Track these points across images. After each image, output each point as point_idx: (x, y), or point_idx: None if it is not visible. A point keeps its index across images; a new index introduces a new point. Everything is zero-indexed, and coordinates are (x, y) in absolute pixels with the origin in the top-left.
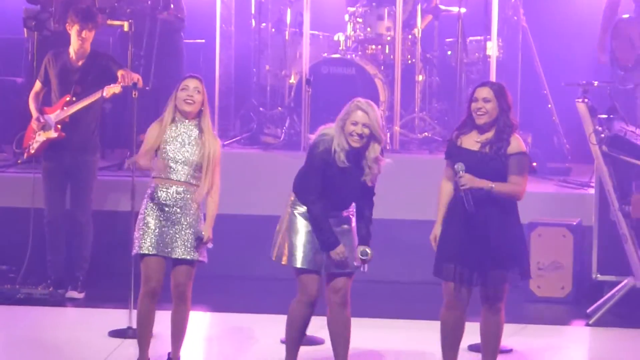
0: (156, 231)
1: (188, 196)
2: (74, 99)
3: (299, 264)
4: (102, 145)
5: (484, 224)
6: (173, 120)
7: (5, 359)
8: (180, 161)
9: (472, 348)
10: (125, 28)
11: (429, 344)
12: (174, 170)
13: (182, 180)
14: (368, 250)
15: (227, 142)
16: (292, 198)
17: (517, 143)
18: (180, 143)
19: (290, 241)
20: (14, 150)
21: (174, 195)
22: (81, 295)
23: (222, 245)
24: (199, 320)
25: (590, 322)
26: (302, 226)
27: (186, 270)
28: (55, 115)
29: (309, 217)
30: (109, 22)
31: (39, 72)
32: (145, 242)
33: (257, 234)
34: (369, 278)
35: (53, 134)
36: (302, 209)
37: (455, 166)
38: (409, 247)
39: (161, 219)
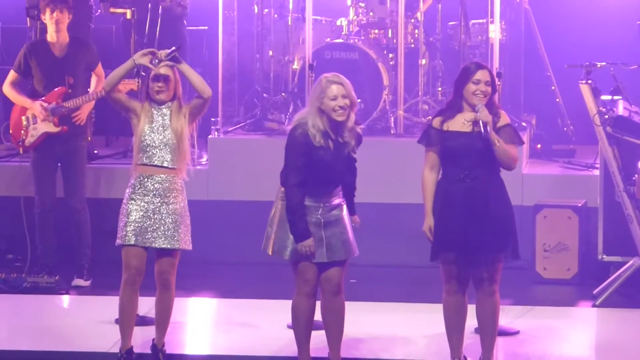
0: (137, 221)
1: (168, 184)
2: (69, 91)
3: (289, 256)
4: (106, 133)
5: (476, 207)
6: (148, 109)
7: (13, 348)
8: (159, 147)
9: (479, 330)
10: (128, 16)
11: (435, 327)
12: (154, 156)
13: (164, 166)
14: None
15: (231, 128)
16: (283, 190)
17: (503, 116)
18: (158, 128)
19: (282, 234)
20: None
21: (155, 185)
22: (87, 283)
23: (227, 231)
24: (206, 307)
25: (597, 303)
26: None
27: (169, 258)
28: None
29: (287, 202)
30: (112, 10)
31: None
32: (126, 232)
33: (263, 220)
34: (374, 262)
35: (54, 128)
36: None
37: (477, 106)
38: (413, 230)
39: (143, 208)
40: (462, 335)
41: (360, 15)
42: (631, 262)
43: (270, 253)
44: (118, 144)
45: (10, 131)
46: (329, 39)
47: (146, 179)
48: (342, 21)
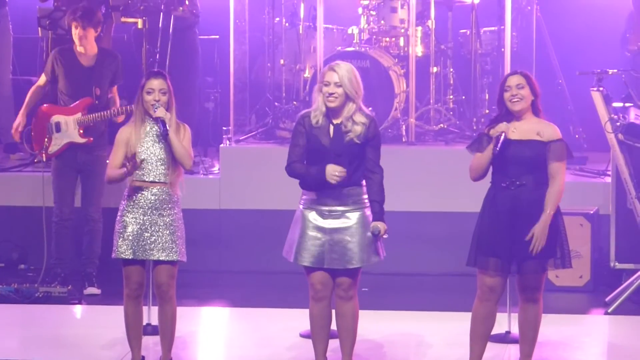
0: (134, 234)
1: (164, 197)
2: (96, 102)
3: (300, 260)
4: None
5: (520, 216)
6: (142, 121)
7: (25, 358)
8: (153, 161)
9: (493, 339)
10: (139, 25)
11: (453, 335)
12: (149, 170)
13: (157, 180)
14: (379, 227)
15: (243, 137)
16: (302, 195)
17: (554, 130)
18: (151, 142)
19: (292, 237)
20: (24, 147)
21: (150, 197)
22: (99, 291)
23: (238, 240)
24: (218, 316)
25: (609, 310)
26: (305, 221)
27: (167, 270)
28: (76, 119)
29: (291, 174)
30: (123, 19)
31: (44, 67)
32: (122, 246)
33: (274, 229)
34: (387, 270)
35: (79, 139)
36: (312, 205)
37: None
38: (426, 238)
39: (138, 221)
40: (485, 344)
41: (372, 23)
42: None
43: (290, 260)
44: None
45: (32, 135)
46: (340, 48)
47: (141, 192)
48: (353, 29)
